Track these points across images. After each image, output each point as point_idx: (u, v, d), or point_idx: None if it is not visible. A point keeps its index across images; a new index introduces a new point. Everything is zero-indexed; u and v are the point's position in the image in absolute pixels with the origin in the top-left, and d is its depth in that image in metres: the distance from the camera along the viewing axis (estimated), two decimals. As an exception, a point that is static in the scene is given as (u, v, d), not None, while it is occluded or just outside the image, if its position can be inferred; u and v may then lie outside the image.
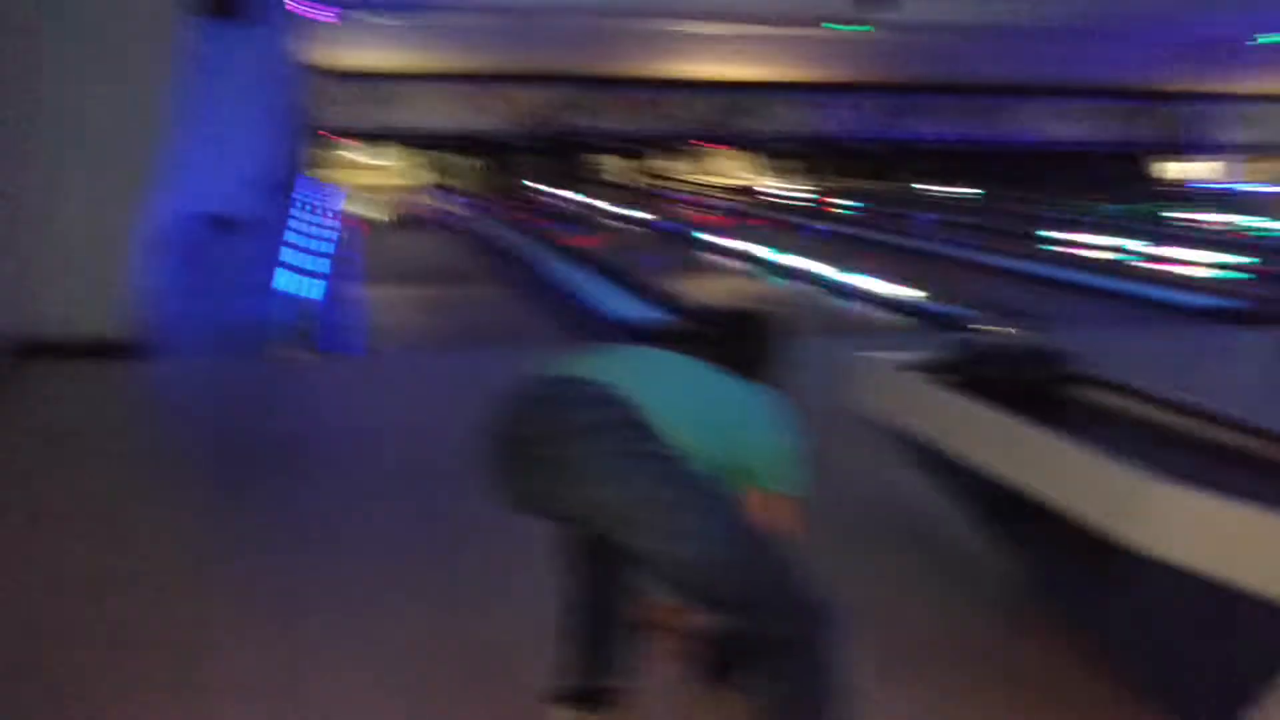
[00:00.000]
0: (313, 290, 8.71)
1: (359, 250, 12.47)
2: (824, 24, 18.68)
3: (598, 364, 2.22)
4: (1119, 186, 29.01)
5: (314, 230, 13.43)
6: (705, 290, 9.87)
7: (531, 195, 23.27)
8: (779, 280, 11.01)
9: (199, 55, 8.21)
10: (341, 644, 2.89)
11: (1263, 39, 20.33)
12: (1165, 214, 18.62)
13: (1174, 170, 32.65)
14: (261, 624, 3.01)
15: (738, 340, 2.43)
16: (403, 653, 2.85)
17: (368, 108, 26.74)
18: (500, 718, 2.54)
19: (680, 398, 2.15)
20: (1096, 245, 14.02)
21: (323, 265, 10.36)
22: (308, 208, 16.50)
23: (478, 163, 28.74)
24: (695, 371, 2.25)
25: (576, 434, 2.04)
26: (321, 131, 26.34)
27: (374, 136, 27.30)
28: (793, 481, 2.26)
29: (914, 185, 26.33)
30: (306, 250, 11.31)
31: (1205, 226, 17.13)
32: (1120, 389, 3.14)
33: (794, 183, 28.47)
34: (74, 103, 6.06)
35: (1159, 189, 28.88)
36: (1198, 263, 12.37)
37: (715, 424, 2.17)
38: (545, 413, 2.10)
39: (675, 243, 14.83)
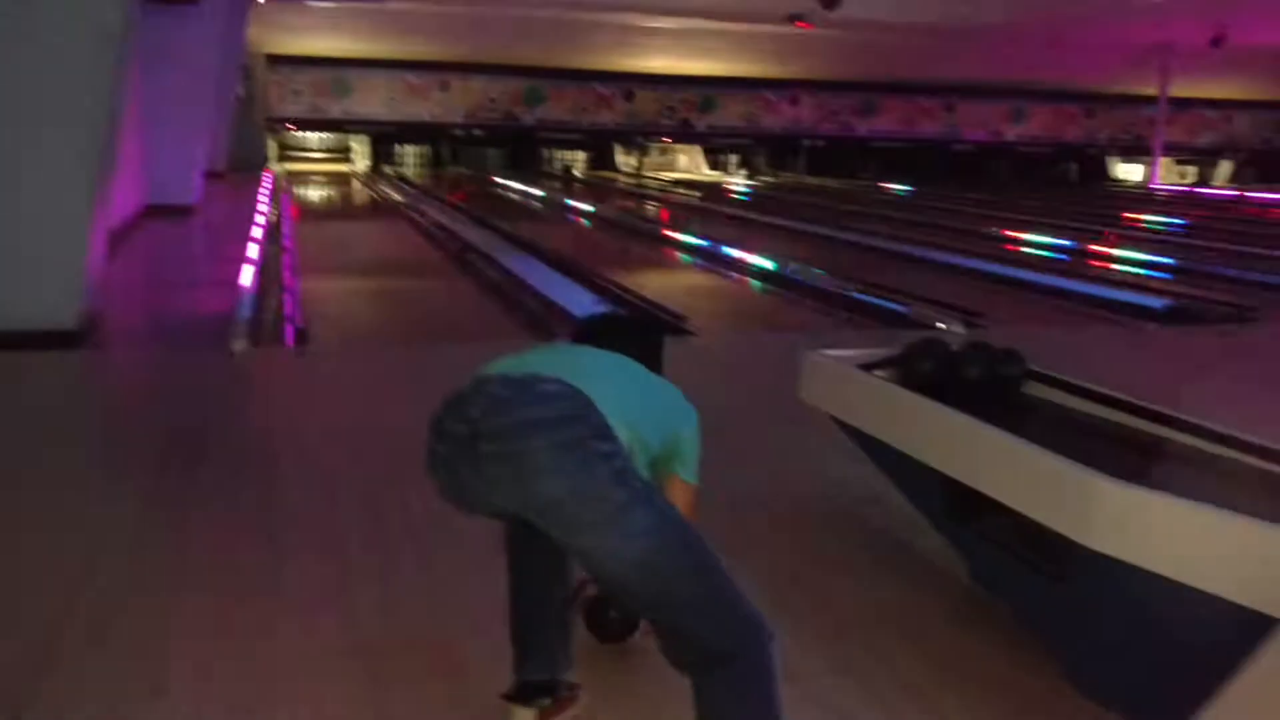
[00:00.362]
0: (250, 279, 8.58)
1: (300, 238, 12.32)
2: (795, 22, 18.69)
3: (541, 360, 2.24)
4: (1078, 186, 29.61)
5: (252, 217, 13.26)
6: (665, 285, 9.88)
7: (487, 186, 23.13)
8: (743, 278, 11.04)
9: (147, 41, 8.06)
10: (296, 644, 2.86)
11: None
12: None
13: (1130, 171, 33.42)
14: (217, 619, 2.98)
15: (639, 338, 2.53)
16: (357, 651, 2.83)
17: (318, 94, 26.45)
18: (461, 717, 2.54)
19: (621, 392, 2.19)
20: (1040, 242, 14.28)
21: (259, 253, 10.20)
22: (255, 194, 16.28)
23: (431, 151, 28.54)
24: (626, 365, 2.31)
25: (530, 428, 2.02)
26: (271, 118, 26.04)
27: (325, 124, 26.99)
28: (697, 470, 2.37)
29: (880, 184, 26.51)
30: (248, 239, 11.14)
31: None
32: (1066, 386, 3.21)
33: (756, 179, 28.62)
34: (21, 90, 5.93)
35: (1118, 189, 29.48)
36: (1125, 260, 12.66)
37: (652, 418, 2.24)
38: (495, 406, 2.08)
39: (637, 238, 14.82)
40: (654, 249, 13.89)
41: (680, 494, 2.30)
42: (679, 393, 2.36)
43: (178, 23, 13.03)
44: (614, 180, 27.02)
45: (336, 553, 3.44)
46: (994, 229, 16.01)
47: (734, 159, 31.24)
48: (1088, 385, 3.19)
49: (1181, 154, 33.38)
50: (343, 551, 3.45)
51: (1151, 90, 27.42)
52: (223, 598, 3.10)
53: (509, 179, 24.07)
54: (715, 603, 2.04)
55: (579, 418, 2.04)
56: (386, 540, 3.56)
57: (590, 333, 2.53)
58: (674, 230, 14.32)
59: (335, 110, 26.70)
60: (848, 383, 3.24)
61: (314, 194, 21.47)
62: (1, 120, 5.95)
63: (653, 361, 2.46)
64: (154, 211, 13.93)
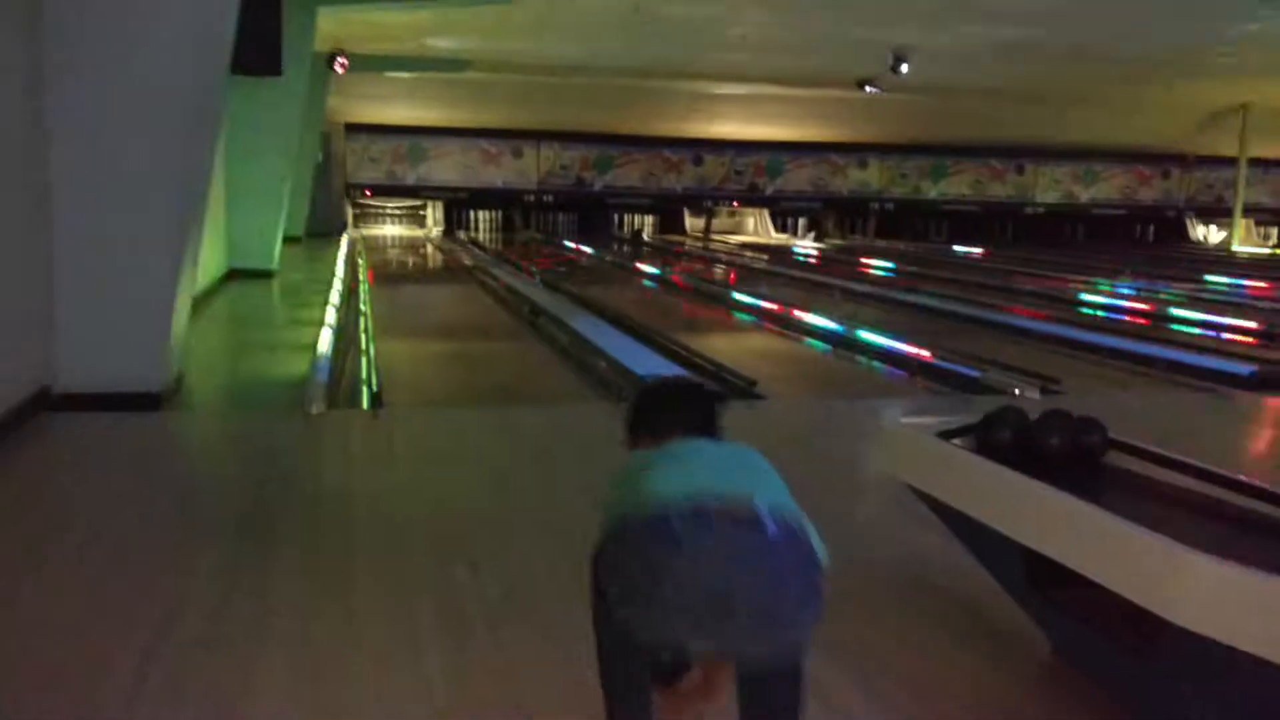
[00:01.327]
0: (327, 343, 8.75)
1: (376, 302, 12.57)
2: (867, 88, 18.82)
3: (726, 475, 2.20)
4: (1152, 248, 29.15)
5: (330, 281, 13.55)
6: (733, 349, 9.88)
7: (556, 250, 23.44)
8: (814, 342, 10.99)
9: (232, 109, 8.35)
10: (370, 707, 2.88)
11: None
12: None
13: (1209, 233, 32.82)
14: (292, 681, 3.01)
15: (707, 403, 2.55)
16: (431, 717, 2.84)
17: (394, 161, 27.14)
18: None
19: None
20: (1117, 306, 14.06)
21: (335, 316, 10.41)
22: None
23: (503, 217, 29.05)
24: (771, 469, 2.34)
25: (782, 584, 2.02)
26: (349, 184, 26.76)
27: (401, 190, 27.64)
28: None
29: (955, 247, 26.37)
30: (326, 303, 11.38)
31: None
32: (1150, 455, 3.13)
33: (827, 242, 28.65)
34: (111, 152, 6.18)
35: (1197, 251, 28.92)
36: (1208, 324, 12.36)
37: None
38: (738, 557, 1.99)
39: (707, 301, 14.87)
40: (722, 312, 13.92)
41: None
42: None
43: (262, 93, 13.48)
44: (682, 243, 27.22)
45: (410, 617, 3.46)
46: (1068, 291, 15.81)
47: (802, 222, 31.31)
48: (1173, 455, 3.11)
49: (1263, 215, 32.70)
50: (416, 616, 3.47)
51: (1231, 151, 26.96)
52: (298, 659, 3.14)
53: (579, 243, 24.37)
54: None
55: (811, 566, 2.06)
56: (458, 606, 3.57)
57: (670, 402, 2.55)
58: (742, 293, 14.34)
59: (411, 177, 27.36)
60: (925, 452, 3.20)
61: (389, 258, 21.94)
62: (94, 187, 6.18)
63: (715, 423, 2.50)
64: (235, 275, 14.33)
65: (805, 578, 2.05)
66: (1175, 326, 12.57)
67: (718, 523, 2.01)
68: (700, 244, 27.25)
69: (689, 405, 2.54)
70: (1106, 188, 32.21)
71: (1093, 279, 18.04)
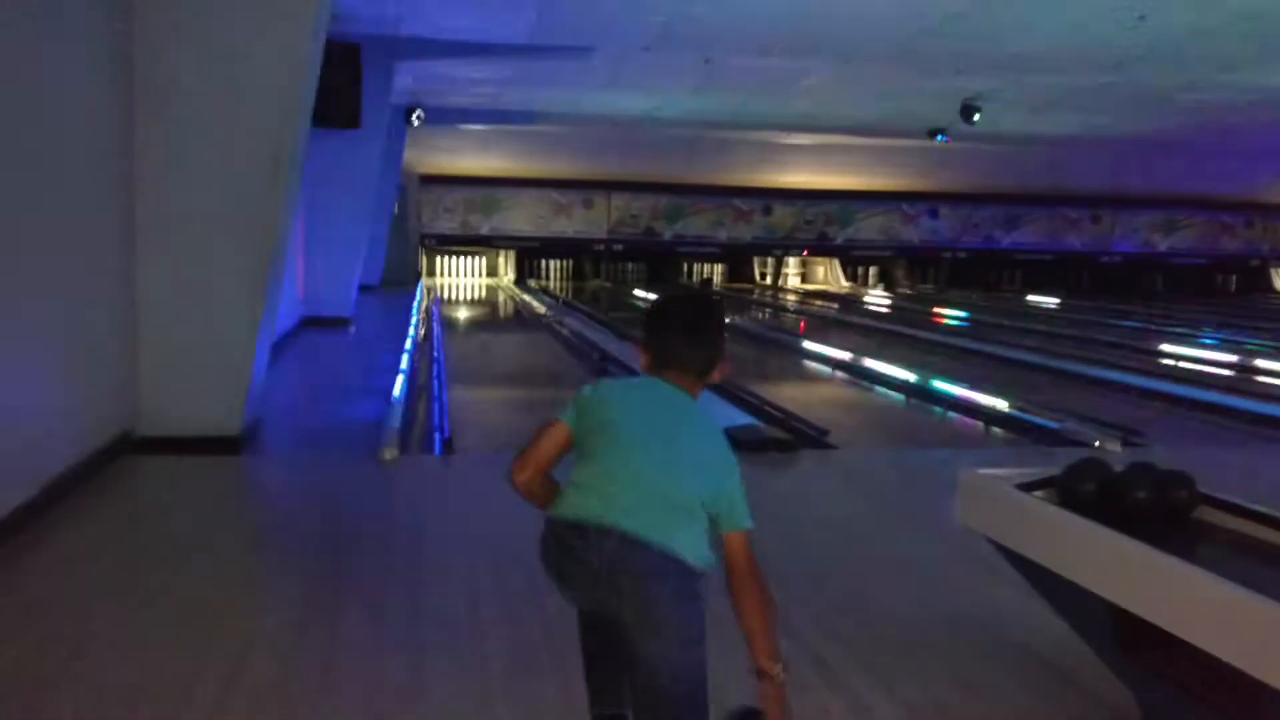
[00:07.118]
0: (400, 389, 8.87)
1: (448, 349, 12.71)
2: (938, 138, 18.75)
3: (635, 454, 2.50)
4: (1235, 298, 28.44)
5: (404, 328, 13.75)
6: (805, 397, 9.80)
7: (626, 299, 23.55)
8: (886, 392, 10.85)
9: (312, 162, 8.54)
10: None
11: None
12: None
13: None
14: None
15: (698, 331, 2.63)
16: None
17: (468, 212, 27.57)
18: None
19: (697, 462, 2.41)
20: (1199, 357, 13.70)
21: (408, 363, 10.55)
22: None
23: (573, 265, 29.33)
24: (690, 421, 2.50)
25: (653, 584, 2.31)
26: (424, 234, 27.24)
27: (474, 240, 28.05)
28: (747, 510, 2.43)
29: (1028, 297, 26.04)
30: (400, 350, 11.55)
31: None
32: (1242, 511, 3.02)
33: (897, 291, 28.45)
34: (194, 201, 6.36)
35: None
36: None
37: (711, 485, 2.39)
38: (618, 559, 2.35)
39: (776, 350, 14.81)
40: (792, 360, 13.83)
41: (735, 548, 2.39)
42: (724, 442, 2.47)
43: (341, 145, 13.81)
44: (751, 292, 27.21)
45: (479, 664, 3.45)
46: (1148, 342, 15.47)
47: (873, 271, 31.14)
48: (1266, 510, 2.99)
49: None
50: (485, 663, 3.46)
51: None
52: (367, 705, 3.14)
53: (648, 291, 24.45)
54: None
55: (682, 574, 2.31)
56: (526, 653, 3.55)
57: (668, 324, 2.67)
58: (812, 342, 14.24)
59: (484, 227, 27.75)
60: (1006, 503, 3.12)
61: (462, 306, 22.23)
62: (177, 235, 6.37)
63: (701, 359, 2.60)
64: (311, 323, 14.60)
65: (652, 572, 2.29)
66: (1260, 378, 12.20)
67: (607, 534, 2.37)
68: (770, 293, 27.21)
69: (693, 340, 2.63)
70: (1187, 237, 31.55)
71: (1172, 329, 17.66)
